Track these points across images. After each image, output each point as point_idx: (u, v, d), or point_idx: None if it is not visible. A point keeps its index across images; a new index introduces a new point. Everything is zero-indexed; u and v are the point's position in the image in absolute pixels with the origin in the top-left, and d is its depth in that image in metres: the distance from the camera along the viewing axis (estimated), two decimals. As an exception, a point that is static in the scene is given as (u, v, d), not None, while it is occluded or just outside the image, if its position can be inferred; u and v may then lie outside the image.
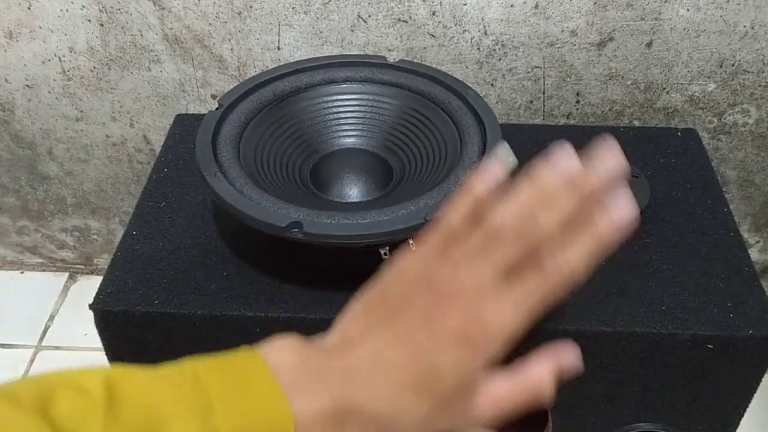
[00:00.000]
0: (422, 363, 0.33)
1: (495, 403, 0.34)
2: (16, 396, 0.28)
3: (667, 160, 0.60)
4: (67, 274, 0.98)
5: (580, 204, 0.32)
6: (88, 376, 0.30)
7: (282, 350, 0.34)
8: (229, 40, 0.70)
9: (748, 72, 0.68)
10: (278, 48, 0.70)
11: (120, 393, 0.30)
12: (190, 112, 0.76)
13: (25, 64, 0.74)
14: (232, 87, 0.55)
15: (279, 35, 0.69)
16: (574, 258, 0.33)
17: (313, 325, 0.48)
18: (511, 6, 0.65)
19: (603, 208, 0.32)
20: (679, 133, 0.63)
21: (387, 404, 0.33)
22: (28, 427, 0.27)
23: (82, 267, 0.98)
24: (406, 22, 0.67)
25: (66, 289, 0.97)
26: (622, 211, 0.32)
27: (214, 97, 0.75)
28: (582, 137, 0.62)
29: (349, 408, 0.33)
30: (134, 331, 0.49)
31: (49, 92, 0.76)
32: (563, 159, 0.32)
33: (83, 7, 0.69)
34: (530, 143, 0.62)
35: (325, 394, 0.32)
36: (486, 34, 0.67)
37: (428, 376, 0.33)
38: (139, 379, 0.31)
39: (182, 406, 0.30)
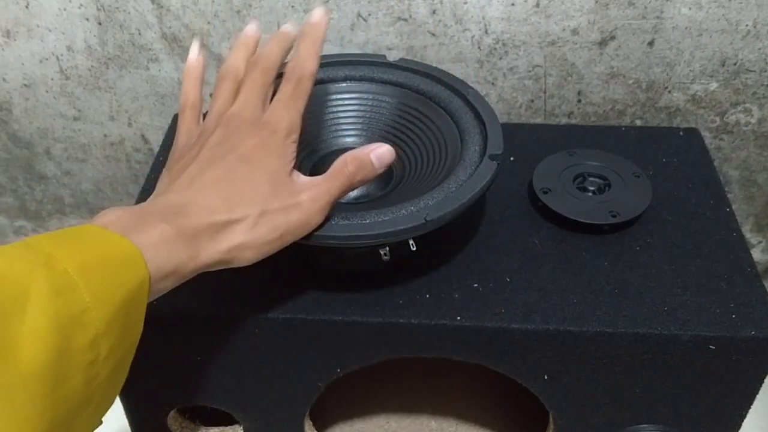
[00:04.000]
0: (238, 169, 0.41)
1: (312, 188, 0.42)
2: None
3: (669, 160, 0.60)
4: (65, 274, 0.98)
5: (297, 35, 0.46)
6: None
7: (104, 215, 0.38)
8: (228, 38, 0.70)
9: (751, 71, 0.68)
10: (277, 47, 0.70)
11: None
12: (189, 112, 0.76)
13: (22, 63, 0.74)
14: (230, 86, 0.55)
15: (278, 34, 0.69)
16: (302, 54, 0.44)
17: (313, 326, 0.48)
18: (512, 4, 0.65)
19: (306, 21, 0.45)
20: (681, 133, 0.63)
21: (224, 212, 0.39)
22: None
23: (81, 267, 0.98)
24: (406, 20, 0.67)
25: (64, 289, 0.96)
26: (318, 14, 0.45)
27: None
28: (583, 136, 0.62)
29: (193, 226, 0.38)
30: (132, 332, 0.49)
31: (47, 91, 0.76)
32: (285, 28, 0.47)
33: (81, 5, 0.69)
34: (531, 142, 0.62)
35: (159, 223, 0.37)
36: (487, 32, 0.67)
37: (246, 177, 0.40)
38: None
39: (21, 263, 0.31)
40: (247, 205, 0.40)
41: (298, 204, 0.42)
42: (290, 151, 0.43)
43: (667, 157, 0.60)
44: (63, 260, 0.32)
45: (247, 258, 0.41)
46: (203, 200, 0.39)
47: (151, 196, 0.42)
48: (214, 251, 0.39)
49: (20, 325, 0.29)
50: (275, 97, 0.45)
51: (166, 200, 0.40)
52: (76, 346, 0.31)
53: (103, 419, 0.36)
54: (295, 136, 0.44)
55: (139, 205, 0.39)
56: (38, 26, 0.71)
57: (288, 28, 0.47)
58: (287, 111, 0.43)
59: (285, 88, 0.44)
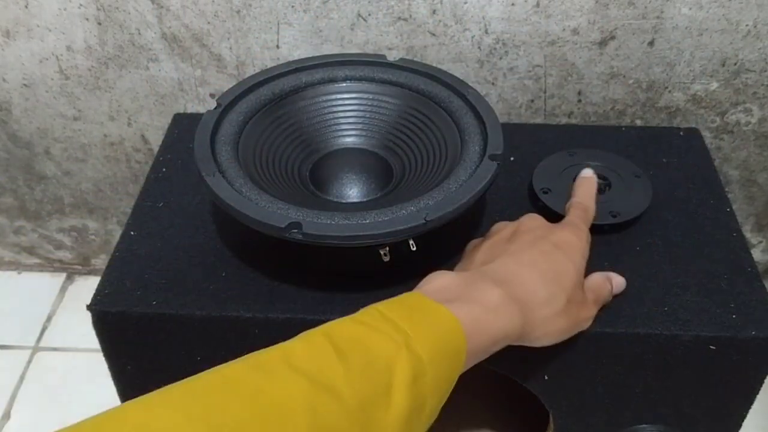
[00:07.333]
0: (553, 252, 0.44)
1: (595, 291, 0.46)
2: (261, 360, 0.33)
3: (669, 160, 0.60)
4: (64, 275, 0.98)
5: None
6: (306, 333, 0.35)
7: (433, 280, 0.41)
8: (228, 38, 0.70)
9: (751, 71, 0.68)
10: (277, 47, 0.70)
11: (338, 340, 0.34)
12: (189, 112, 0.76)
13: (22, 63, 0.74)
14: (230, 86, 0.55)
15: (278, 34, 0.69)
16: (586, 195, 0.51)
17: (312, 326, 0.48)
18: (512, 4, 0.65)
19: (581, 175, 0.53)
20: (681, 133, 0.63)
21: (541, 291, 0.42)
22: (287, 379, 0.31)
23: (80, 267, 0.98)
24: (406, 20, 0.67)
25: (63, 289, 0.96)
26: (587, 171, 0.54)
27: (212, 96, 0.74)
28: (583, 136, 0.62)
29: (515, 295, 0.40)
30: (132, 332, 0.49)
31: (47, 91, 0.76)
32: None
33: (81, 5, 0.69)
34: (531, 142, 0.62)
35: (493, 287, 0.40)
36: (487, 32, 0.67)
37: (560, 262, 0.43)
38: (348, 327, 0.36)
39: (391, 344, 0.34)
40: (560, 288, 0.42)
41: (587, 301, 0.45)
42: (583, 262, 0.46)
43: (668, 157, 0.60)
44: (418, 343, 0.34)
45: (540, 341, 0.42)
46: (526, 274, 0.42)
47: (467, 261, 0.47)
48: (521, 321, 0.40)
49: (386, 411, 0.32)
50: (567, 219, 0.49)
51: (492, 269, 0.42)
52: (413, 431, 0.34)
53: None
54: (587, 253, 0.47)
55: (461, 272, 0.42)
56: (38, 26, 0.71)
57: (587, 173, 0.54)
58: (583, 225, 0.48)
59: (577, 212, 0.49)
